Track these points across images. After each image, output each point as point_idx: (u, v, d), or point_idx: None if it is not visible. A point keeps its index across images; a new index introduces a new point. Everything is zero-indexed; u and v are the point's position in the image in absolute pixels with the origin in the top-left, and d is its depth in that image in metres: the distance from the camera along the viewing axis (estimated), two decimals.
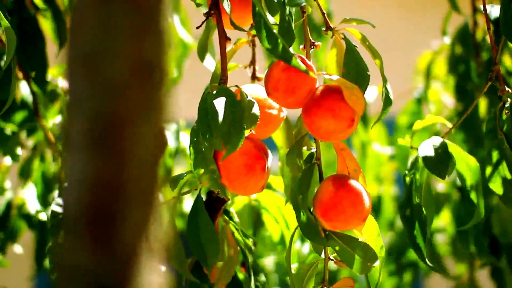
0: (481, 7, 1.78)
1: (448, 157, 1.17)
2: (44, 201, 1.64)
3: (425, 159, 1.16)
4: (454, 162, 1.17)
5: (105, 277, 0.55)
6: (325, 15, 1.15)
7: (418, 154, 1.18)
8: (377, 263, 1.06)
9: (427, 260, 1.19)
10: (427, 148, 1.17)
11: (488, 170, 1.20)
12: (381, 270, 1.10)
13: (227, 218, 1.19)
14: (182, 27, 1.81)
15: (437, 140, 1.19)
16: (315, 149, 1.12)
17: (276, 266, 2.20)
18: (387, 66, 1.16)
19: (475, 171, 1.21)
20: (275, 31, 0.99)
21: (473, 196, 1.21)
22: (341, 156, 1.12)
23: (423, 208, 1.19)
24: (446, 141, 1.19)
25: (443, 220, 2.26)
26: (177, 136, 1.52)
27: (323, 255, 1.12)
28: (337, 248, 1.07)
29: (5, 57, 1.25)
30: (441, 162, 1.16)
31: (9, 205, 1.74)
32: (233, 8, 1.11)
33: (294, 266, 1.13)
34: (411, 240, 1.19)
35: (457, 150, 1.20)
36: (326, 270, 1.12)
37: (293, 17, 1.04)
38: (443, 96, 2.22)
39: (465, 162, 1.21)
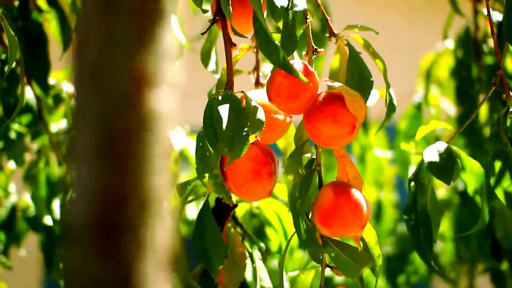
0: (483, 10, 1.79)
1: (453, 162, 1.16)
2: (49, 204, 1.64)
3: (430, 164, 1.16)
4: (459, 168, 1.17)
5: (112, 286, 0.55)
6: (328, 21, 1.15)
7: (423, 159, 1.17)
8: (370, 266, 1.06)
9: (432, 264, 1.18)
10: (432, 153, 1.17)
11: (492, 174, 1.19)
12: (377, 278, 1.09)
13: (236, 225, 1.19)
14: (179, 27, 1.81)
15: (441, 145, 1.18)
16: (315, 156, 1.11)
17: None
18: (389, 69, 1.16)
19: (479, 176, 1.20)
20: (274, 39, 0.99)
21: (477, 201, 1.21)
22: (341, 163, 1.11)
23: (429, 213, 1.19)
24: (451, 146, 1.19)
25: (443, 226, 2.25)
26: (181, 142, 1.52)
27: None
28: (332, 254, 1.07)
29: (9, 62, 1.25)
30: (446, 167, 1.15)
31: (13, 209, 1.74)
32: (236, 14, 1.11)
33: (293, 274, 1.13)
34: (416, 245, 1.18)
35: (462, 155, 1.19)
36: (323, 277, 1.11)
37: (295, 24, 1.04)
38: (442, 101, 2.22)
39: (469, 167, 1.20)
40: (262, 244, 1.23)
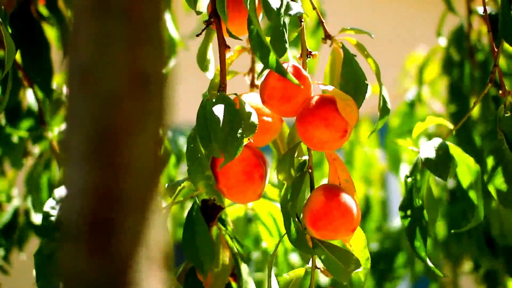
0: (477, 8, 1.73)
1: (449, 159, 1.13)
2: None
3: (427, 160, 1.12)
4: (455, 164, 1.12)
5: (104, 285, 0.53)
6: (324, 23, 1.10)
7: (419, 156, 1.14)
8: (359, 270, 1.02)
9: (428, 262, 1.14)
10: (428, 150, 1.13)
11: (486, 171, 1.14)
12: (365, 280, 1.06)
13: (222, 226, 1.14)
14: (173, 25, 1.75)
15: (438, 142, 1.15)
16: (307, 158, 1.08)
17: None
18: (382, 67, 1.11)
19: (475, 173, 1.17)
20: (268, 42, 0.95)
21: (473, 197, 1.17)
22: (333, 166, 1.08)
23: (425, 210, 1.14)
24: (447, 142, 1.15)
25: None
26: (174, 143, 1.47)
27: (310, 264, 1.08)
28: (322, 256, 1.03)
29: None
30: (442, 163, 1.12)
31: (16, 213, 1.68)
32: (231, 16, 1.07)
33: (284, 276, 1.09)
34: (411, 241, 1.14)
35: (457, 152, 1.16)
36: (313, 279, 1.08)
37: (287, 27, 0.98)
38: (430, 100, 2.16)
39: (465, 164, 1.17)
40: (246, 246, 1.18)
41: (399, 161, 2.15)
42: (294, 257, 1.77)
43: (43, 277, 1.01)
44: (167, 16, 1.70)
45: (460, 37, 1.83)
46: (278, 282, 1.07)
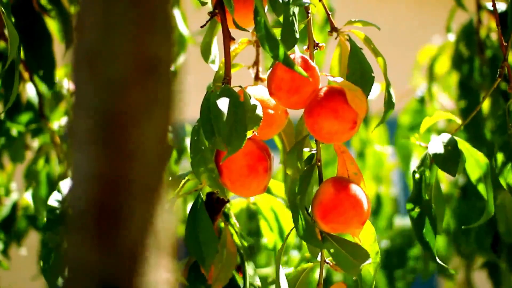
0: (486, 4, 1.75)
1: (458, 154, 1.14)
2: None
3: (435, 156, 1.13)
4: (464, 159, 1.14)
5: (111, 273, 0.54)
6: (330, 15, 1.11)
7: (427, 151, 1.15)
8: (369, 262, 1.03)
9: (436, 257, 1.15)
10: (437, 145, 1.14)
11: (496, 166, 1.16)
12: (375, 275, 1.07)
13: (226, 220, 1.16)
14: (182, 21, 1.77)
15: (446, 137, 1.16)
16: (315, 151, 1.09)
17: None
18: (391, 63, 1.12)
19: (484, 168, 1.18)
20: (275, 34, 0.96)
21: (483, 192, 1.19)
22: (342, 158, 1.09)
23: (433, 206, 1.16)
24: (456, 138, 1.16)
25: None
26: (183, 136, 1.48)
27: (319, 258, 1.09)
28: (332, 250, 1.04)
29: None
30: (451, 159, 1.13)
31: (14, 207, 1.70)
32: (237, 7, 1.08)
33: (289, 271, 1.10)
34: (419, 237, 1.15)
35: (466, 147, 1.17)
36: (321, 274, 1.09)
37: (297, 18, 1.00)
38: (440, 96, 2.17)
39: (474, 159, 1.18)
40: (251, 241, 1.19)
41: (409, 158, 2.16)
42: (294, 253, 1.79)
43: (48, 268, 1.02)
44: (177, 12, 1.72)
45: (469, 33, 1.84)
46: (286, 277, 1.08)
